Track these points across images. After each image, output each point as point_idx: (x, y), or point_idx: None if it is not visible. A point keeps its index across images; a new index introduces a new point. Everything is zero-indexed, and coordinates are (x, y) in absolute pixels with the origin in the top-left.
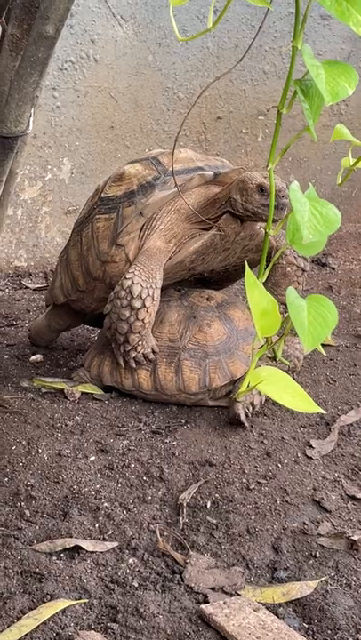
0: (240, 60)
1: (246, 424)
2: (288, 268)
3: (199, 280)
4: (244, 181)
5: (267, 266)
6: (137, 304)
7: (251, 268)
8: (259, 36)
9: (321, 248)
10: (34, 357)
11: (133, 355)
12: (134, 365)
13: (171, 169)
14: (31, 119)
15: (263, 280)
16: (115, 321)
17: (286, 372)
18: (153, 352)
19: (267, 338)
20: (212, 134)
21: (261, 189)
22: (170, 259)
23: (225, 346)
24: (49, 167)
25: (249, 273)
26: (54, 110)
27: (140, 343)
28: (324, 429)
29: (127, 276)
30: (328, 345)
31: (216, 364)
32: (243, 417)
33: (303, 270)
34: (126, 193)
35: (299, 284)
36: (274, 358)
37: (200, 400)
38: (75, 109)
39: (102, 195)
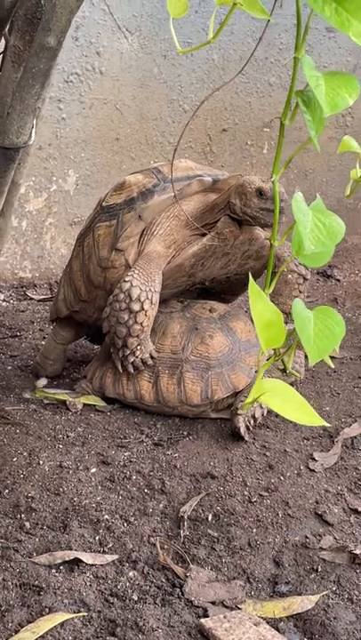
0: (239, 72)
1: (247, 437)
2: (289, 276)
3: (202, 292)
4: (243, 185)
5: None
6: (136, 307)
7: (253, 277)
8: (264, 48)
9: (327, 259)
10: (39, 382)
11: (132, 359)
12: (132, 371)
13: (169, 177)
14: (33, 130)
15: (270, 291)
16: (113, 324)
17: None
18: (151, 357)
19: (275, 350)
20: (217, 146)
21: (260, 193)
22: (169, 263)
23: (227, 358)
24: (54, 178)
25: (252, 283)
26: (59, 122)
27: (138, 347)
28: (327, 442)
29: (126, 279)
30: (332, 357)
31: (218, 376)
32: (243, 430)
33: (304, 278)
34: (126, 200)
35: (300, 292)
36: (284, 370)
37: (202, 412)
38: (80, 121)
39: (103, 204)
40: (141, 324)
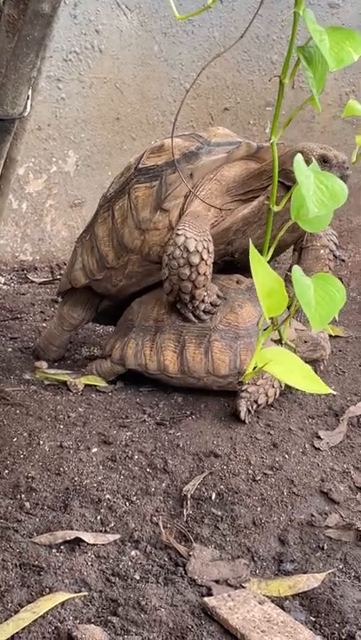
0: (231, 46)
1: (246, 421)
2: (321, 251)
3: (226, 266)
4: (304, 152)
5: (298, 250)
6: (195, 259)
7: (283, 250)
8: (266, 25)
9: (326, 224)
10: (38, 363)
11: (202, 307)
12: (206, 317)
13: (213, 141)
14: (29, 102)
15: (268, 258)
16: (176, 282)
17: (314, 361)
18: (218, 297)
19: (272, 319)
20: (219, 125)
21: (324, 160)
22: (216, 226)
23: (256, 328)
24: (54, 160)
25: (253, 250)
26: (59, 102)
27: (205, 294)
28: (332, 420)
29: (178, 233)
30: (338, 336)
31: (247, 346)
32: (243, 414)
33: (335, 255)
34: (168, 162)
35: (330, 268)
36: (279, 341)
37: (229, 384)
38: (80, 101)
39: (140, 166)
40: (204, 273)
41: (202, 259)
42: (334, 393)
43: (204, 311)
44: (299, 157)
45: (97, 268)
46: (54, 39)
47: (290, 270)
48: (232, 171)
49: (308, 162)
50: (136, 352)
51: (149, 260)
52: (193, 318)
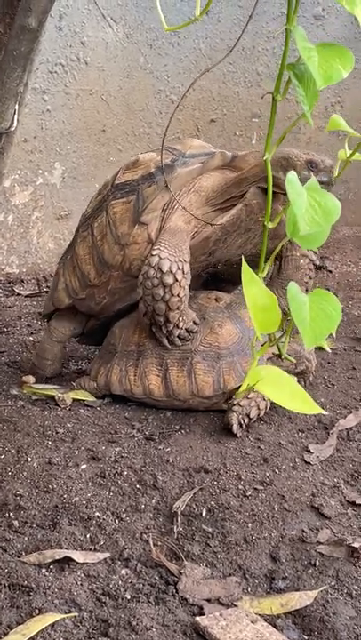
0: (220, 61)
1: (238, 435)
2: (301, 261)
3: (210, 278)
4: (290, 159)
5: (267, 259)
6: (169, 280)
7: (269, 255)
8: (252, 37)
9: (323, 241)
10: (26, 377)
11: (177, 332)
12: (180, 343)
13: (187, 152)
14: (15, 116)
15: (263, 275)
16: (150, 303)
17: (299, 374)
18: (195, 323)
19: (270, 335)
20: (205, 137)
21: (311, 165)
22: (195, 237)
23: (238, 346)
24: (40, 172)
25: (245, 267)
26: (44, 114)
27: (180, 319)
28: (322, 434)
29: (153, 253)
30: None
31: (230, 366)
32: (235, 428)
33: (314, 264)
34: (144, 176)
35: (310, 278)
36: (279, 356)
37: (214, 404)
38: (65, 113)
39: (116, 182)
40: (178, 295)
41: (176, 279)
42: (325, 413)
43: (178, 337)
44: (291, 175)
45: (79, 287)
46: (40, 52)
47: (271, 279)
48: (210, 181)
49: (294, 168)
50: (120, 378)
51: (131, 274)
52: (167, 343)
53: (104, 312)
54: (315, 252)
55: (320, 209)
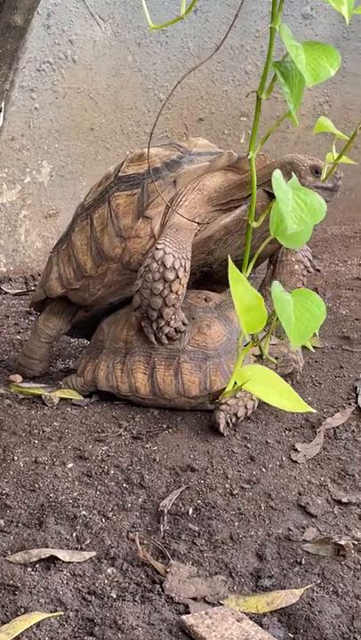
0: (208, 59)
1: (225, 434)
2: (296, 266)
3: (202, 278)
4: (295, 163)
5: (265, 262)
6: (170, 275)
7: (262, 261)
8: (240, 35)
9: (306, 239)
10: (13, 376)
11: (167, 330)
12: (166, 341)
13: (193, 150)
14: (2, 114)
15: (247, 274)
16: (147, 297)
17: (286, 376)
18: (183, 324)
19: (253, 335)
20: (193, 136)
21: (316, 171)
22: (198, 234)
23: (225, 347)
24: (27, 170)
25: (232, 267)
26: (32, 112)
27: (173, 317)
28: (309, 432)
29: (158, 247)
30: (314, 347)
31: (217, 367)
32: (222, 427)
33: (308, 270)
34: (150, 170)
35: (303, 283)
36: (260, 357)
37: (200, 404)
38: (53, 111)
39: (120, 174)
40: (177, 292)
41: (177, 276)
42: (313, 411)
43: (167, 335)
44: (277, 174)
45: (74, 277)
46: (27, 50)
47: (264, 282)
48: (213, 180)
49: (298, 172)
50: (107, 374)
51: (130, 268)
52: (154, 340)
53: (97, 304)
54: (309, 260)
55: (306, 207)
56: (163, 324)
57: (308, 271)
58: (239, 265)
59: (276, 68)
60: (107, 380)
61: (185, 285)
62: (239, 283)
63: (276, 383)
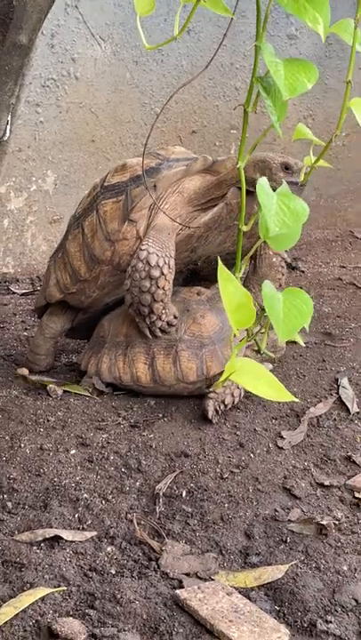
0: (197, 76)
1: (214, 420)
2: (274, 259)
3: (190, 276)
4: (266, 161)
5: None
6: (155, 273)
7: (245, 255)
8: (230, 54)
9: (293, 242)
10: (20, 370)
11: (159, 324)
12: (160, 334)
13: (171, 157)
14: (8, 127)
15: (240, 275)
16: (136, 295)
17: (268, 362)
18: (175, 317)
19: (247, 330)
20: (187, 147)
21: (286, 167)
22: (180, 234)
23: (219, 335)
24: (33, 179)
25: (221, 266)
26: (37, 125)
27: (163, 311)
28: (294, 421)
29: (142, 248)
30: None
31: (212, 353)
32: (211, 413)
33: (286, 262)
34: (132, 178)
35: (283, 275)
36: (258, 351)
37: (198, 389)
38: (57, 124)
39: (105, 184)
40: (163, 287)
41: (162, 273)
42: (297, 400)
43: (160, 328)
44: (263, 180)
45: (70, 282)
46: (33, 67)
47: (247, 277)
48: (192, 183)
49: (270, 169)
50: (110, 366)
51: (120, 269)
52: (148, 334)
53: (93, 305)
54: (285, 251)
55: (289, 211)
56: (155, 318)
57: (285, 262)
58: (227, 263)
59: (258, 83)
60: (109, 372)
61: (171, 281)
62: (228, 281)
63: (262, 375)
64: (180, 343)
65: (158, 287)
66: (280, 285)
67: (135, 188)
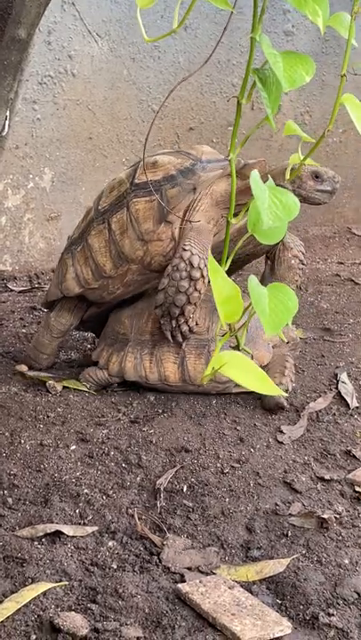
0: (194, 73)
1: (286, 405)
2: (293, 261)
3: None
4: (294, 169)
5: (269, 258)
6: (197, 274)
7: (251, 260)
8: (227, 51)
9: (281, 236)
10: (19, 367)
11: (184, 328)
12: (181, 340)
13: (203, 157)
14: (6, 122)
15: (226, 268)
16: (171, 295)
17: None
18: (196, 324)
19: (230, 325)
20: (185, 144)
21: (316, 176)
22: (216, 235)
23: (249, 335)
24: (31, 176)
25: (211, 259)
26: (35, 122)
27: (192, 315)
28: (293, 416)
29: (185, 248)
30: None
31: None
32: (284, 402)
33: (303, 263)
34: (165, 177)
35: (300, 277)
36: (237, 347)
37: (226, 388)
38: (54, 121)
39: (136, 181)
40: (200, 291)
41: (202, 275)
42: (284, 394)
43: (182, 333)
44: (255, 174)
45: (93, 278)
46: (30, 64)
47: (264, 277)
48: (220, 185)
49: (300, 178)
50: (135, 365)
51: (150, 269)
52: (169, 337)
53: (113, 301)
54: (303, 253)
55: (281, 205)
56: (182, 321)
57: (303, 264)
58: (242, 262)
59: (255, 75)
60: (135, 370)
61: (206, 284)
62: (217, 274)
63: (251, 368)
64: (212, 343)
65: (196, 289)
66: (298, 287)
67: (171, 189)
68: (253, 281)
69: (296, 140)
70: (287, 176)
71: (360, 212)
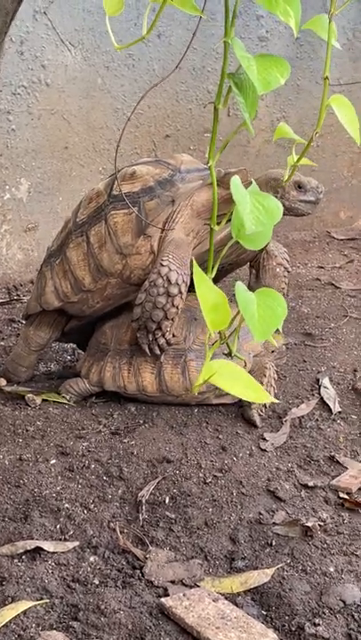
0: (165, 79)
1: (260, 426)
2: (277, 269)
3: (192, 282)
4: (278, 179)
5: (213, 263)
6: (174, 290)
7: (239, 266)
8: (201, 58)
9: (266, 241)
10: None
11: (162, 342)
12: (158, 352)
13: (182, 167)
14: None
15: (212, 276)
16: (148, 310)
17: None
18: (173, 336)
19: (220, 332)
20: (161, 152)
21: (299, 186)
22: (197, 247)
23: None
24: (7, 187)
25: (196, 268)
26: (9, 133)
27: (169, 329)
28: (276, 422)
29: (163, 263)
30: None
31: None
32: (258, 421)
33: (288, 271)
34: (143, 189)
35: (286, 285)
36: (229, 354)
37: (205, 399)
38: (29, 131)
39: (113, 192)
40: (177, 306)
41: (180, 291)
42: (276, 401)
43: (159, 346)
44: (235, 179)
45: (72, 291)
46: (2, 74)
47: (249, 285)
48: (201, 195)
49: (282, 188)
50: (114, 375)
51: (130, 282)
52: (147, 350)
53: (94, 314)
54: (287, 260)
55: (263, 210)
56: (159, 335)
57: (288, 271)
58: (225, 272)
59: (230, 79)
60: (113, 380)
61: (184, 300)
62: (203, 282)
63: (240, 376)
64: (189, 353)
65: (173, 305)
66: (284, 295)
67: (149, 201)
68: (241, 287)
69: (274, 146)
70: (285, 177)
71: (339, 216)
